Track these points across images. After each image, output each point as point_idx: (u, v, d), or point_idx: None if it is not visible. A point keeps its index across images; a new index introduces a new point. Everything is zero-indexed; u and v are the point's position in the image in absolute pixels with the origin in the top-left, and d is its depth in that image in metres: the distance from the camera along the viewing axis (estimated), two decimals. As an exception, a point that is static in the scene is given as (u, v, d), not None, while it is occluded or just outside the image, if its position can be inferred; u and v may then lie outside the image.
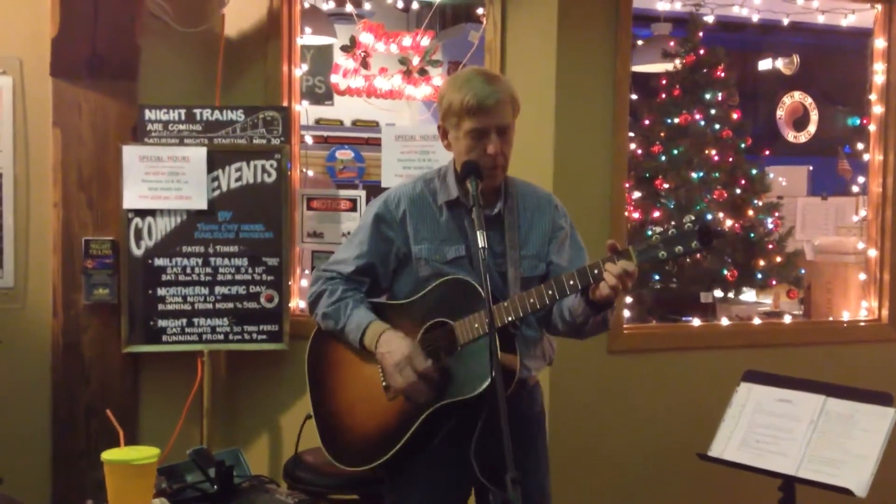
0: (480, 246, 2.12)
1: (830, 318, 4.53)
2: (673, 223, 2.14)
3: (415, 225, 2.44)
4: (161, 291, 3.63)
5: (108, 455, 1.93)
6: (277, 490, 2.32)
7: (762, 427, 3.00)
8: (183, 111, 3.69)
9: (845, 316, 4.42)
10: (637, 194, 4.79)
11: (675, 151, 4.85)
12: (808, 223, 5.42)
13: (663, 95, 5.01)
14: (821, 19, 4.72)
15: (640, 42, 5.46)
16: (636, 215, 4.71)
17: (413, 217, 2.45)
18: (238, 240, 3.67)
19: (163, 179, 3.61)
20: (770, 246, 4.90)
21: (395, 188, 2.53)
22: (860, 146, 4.46)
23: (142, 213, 3.62)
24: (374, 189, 3.74)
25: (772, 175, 5.24)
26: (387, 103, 4.12)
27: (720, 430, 3.07)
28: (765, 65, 7.93)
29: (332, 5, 4.50)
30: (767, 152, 5.45)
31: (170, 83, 3.84)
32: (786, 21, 4.89)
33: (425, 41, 3.98)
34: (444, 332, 2.34)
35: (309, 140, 4.41)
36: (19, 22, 3.69)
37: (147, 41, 3.71)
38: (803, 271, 4.92)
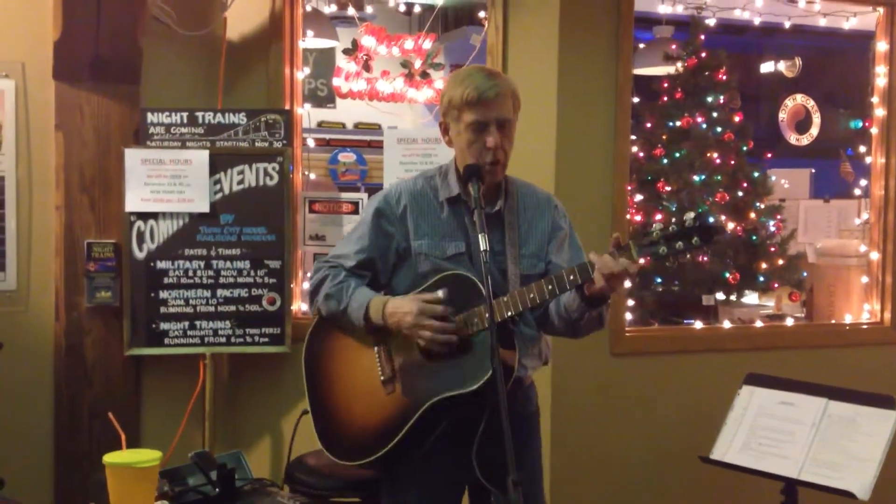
0: (482, 249, 2.13)
1: (833, 321, 4.53)
2: (674, 220, 2.15)
3: (415, 220, 2.45)
4: (163, 294, 3.64)
5: (110, 458, 1.93)
6: (279, 493, 2.31)
7: (764, 430, 3.00)
8: (185, 114, 3.69)
9: (847, 319, 4.42)
10: (639, 197, 4.79)
11: (677, 154, 4.86)
12: (810, 226, 5.41)
13: (665, 98, 5.01)
14: (822, 22, 4.72)
15: (641, 45, 5.45)
16: (638, 218, 4.71)
17: (413, 212, 2.45)
18: (240, 243, 3.67)
19: (165, 182, 3.61)
20: (772, 249, 4.90)
21: (395, 184, 2.55)
22: (862, 149, 4.47)
23: (144, 216, 3.62)
24: (375, 192, 3.73)
25: (774, 178, 5.23)
26: (389, 106, 4.13)
27: (722, 432, 3.07)
28: (767, 67, 7.92)
29: (334, 8, 4.51)
30: (769, 155, 5.44)
31: (172, 86, 3.85)
32: (787, 24, 4.89)
33: (427, 44, 3.98)
34: None
35: (311, 143, 4.42)
36: (22, 25, 3.69)
37: (149, 44, 3.71)
38: (805, 274, 4.92)
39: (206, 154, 3.64)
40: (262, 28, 3.89)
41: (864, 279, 4.36)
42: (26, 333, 3.72)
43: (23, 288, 3.75)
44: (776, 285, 4.85)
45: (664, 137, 4.93)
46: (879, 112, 4.29)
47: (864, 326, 4.31)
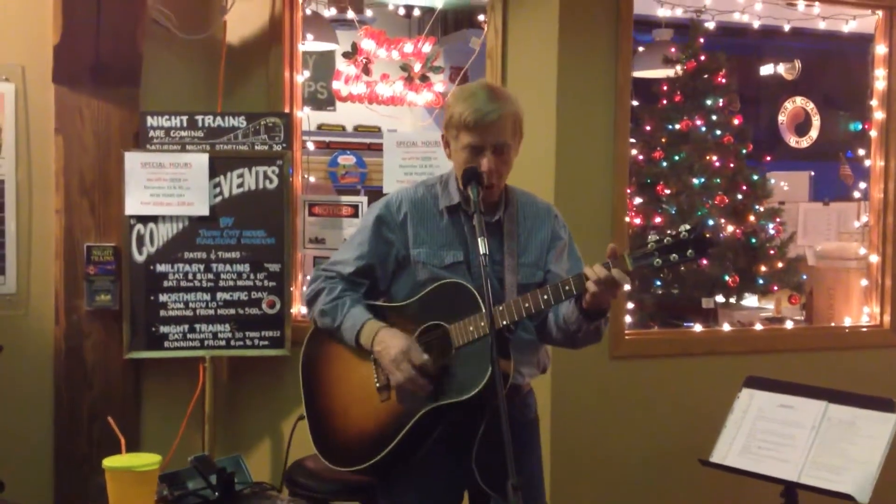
0: (481, 252, 2.13)
1: (832, 324, 4.53)
2: (669, 231, 2.15)
3: (415, 228, 2.45)
4: (163, 297, 3.64)
5: (109, 462, 1.93)
6: (279, 496, 2.32)
7: (764, 433, 3.00)
8: (185, 117, 3.70)
9: (847, 322, 4.42)
10: (638, 200, 4.79)
11: (677, 157, 4.86)
12: (809, 229, 5.42)
13: (664, 101, 5.02)
14: (822, 25, 4.73)
15: (641, 48, 5.46)
16: (637, 221, 4.72)
17: (413, 220, 2.45)
18: (240, 246, 3.67)
19: (165, 186, 3.61)
20: (772, 251, 4.90)
21: (396, 191, 2.54)
22: (862, 151, 4.47)
23: (144, 220, 3.63)
24: (375, 195, 3.74)
25: (773, 180, 5.24)
26: (388, 109, 4.13)
27: (722, 435, 3.07)
28: (766, 70, 7.93)
29: (333, 12, 4.51)
30: (769, 158, 5.45)
31: (172, 90, 3.85)
32: (787, 27, 4.89)
33: (427, 47, 3.99)
34: (438, 335, 2.35)
35: (311, 146, 4.42)
36: (21, 29, 3.70)
37: (149, 48, 3.71)
38: (805, 277, 4.93)
39: (205, 157, 3.64)
40: (262, 31, 3.89)
41: (864, 282, 4.36)
42: (26, 337, 3.72)
43: (23, 291, 3.75)
44: (776, 288, 4.86)
45: (663, 140, 4.94)
46: (879, 115, 4.29)
47: (864, 329, 4.30)
